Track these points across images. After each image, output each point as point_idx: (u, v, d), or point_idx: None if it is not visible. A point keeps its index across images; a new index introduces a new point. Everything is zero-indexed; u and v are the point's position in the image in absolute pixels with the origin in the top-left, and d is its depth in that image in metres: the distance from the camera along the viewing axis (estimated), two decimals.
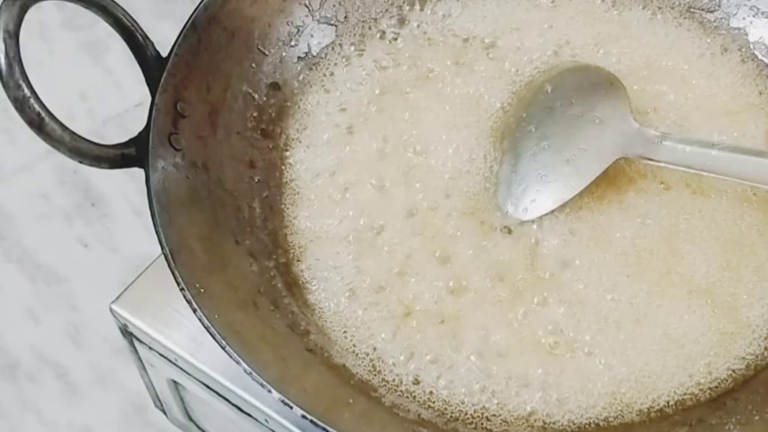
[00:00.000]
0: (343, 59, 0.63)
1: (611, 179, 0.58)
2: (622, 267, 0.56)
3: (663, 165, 0.57)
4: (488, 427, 0.53)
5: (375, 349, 0.54)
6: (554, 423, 0.53)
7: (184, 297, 0.49)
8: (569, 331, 0.54)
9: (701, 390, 0.53)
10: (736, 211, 0.57)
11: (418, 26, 0.64)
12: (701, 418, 0.52)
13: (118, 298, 0.59)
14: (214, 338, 0.48)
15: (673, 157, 0.56)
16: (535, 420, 0.53)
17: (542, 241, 0.56)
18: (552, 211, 0.57)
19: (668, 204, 0.57)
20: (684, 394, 0.53)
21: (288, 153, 0.60)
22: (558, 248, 0.56)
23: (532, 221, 0.57)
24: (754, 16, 0.63)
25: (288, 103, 0.62)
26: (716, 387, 0.53)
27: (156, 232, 0.51)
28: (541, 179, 0.57)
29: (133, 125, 0.54)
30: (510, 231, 0.57)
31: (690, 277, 0.56)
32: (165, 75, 0.54)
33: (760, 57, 0.63)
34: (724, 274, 0.56)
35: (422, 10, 0.65)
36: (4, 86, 0.49)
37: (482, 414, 0.53)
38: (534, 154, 0.58)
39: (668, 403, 0.53)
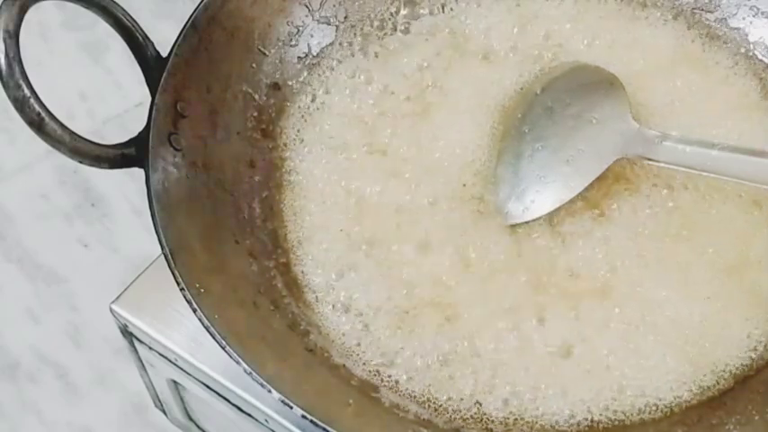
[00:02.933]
0: (344, 60, 0.63)
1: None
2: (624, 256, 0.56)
3: (663, 165, 0.57)
4: (490, 427, 0.53)
5: (376, 349, 0.54)
6: (555, 423, 0.53)
7: (184, 297, 0.49)
8: (571, 332, 0.54)
9: (701, 389, 0.53)
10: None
11: (418, 26, 0.64)
12: (700, 417, 0.52)
13: (118, 298, 0.59)
14: (214, 338, 0.48)
15: (673, 157, 0.56)
16: (535, 421, 0.53)
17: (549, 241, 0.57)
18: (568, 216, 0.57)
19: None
20: (685, 393, 0.53)
21: (288, 153, 0.60)
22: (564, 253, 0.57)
23: (538, 221, 0.57)
24: (754, 16, 0.63)
25: (288, 103, 0.61)
26: (716, 387, 0.53)
27: (156, 232, 0.51)
28: (540, 180, 0.57)
29: (133, 125, 0.54)
30: (512, 232, 0.57)
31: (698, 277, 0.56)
32: (165, 75, 0.54)
33: (760, 57, 0.63)
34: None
35: (420, 10, 0.65)
36: (4, 86, 0.49)
37: (483, 415, 0.53)
38: (531, 155, 0.58)
39: (669, 402, 0.53)
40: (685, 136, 0.57)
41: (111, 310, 0.59)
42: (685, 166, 0.56)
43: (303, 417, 0.47)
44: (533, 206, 0.57)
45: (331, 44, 0.63)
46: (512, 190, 0.58)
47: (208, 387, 0.58)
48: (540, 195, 0.57)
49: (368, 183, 0.59)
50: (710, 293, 0.55)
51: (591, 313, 0.55)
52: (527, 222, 0.57)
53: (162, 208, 0.51)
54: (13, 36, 0.49)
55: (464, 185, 0.58)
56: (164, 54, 0.55)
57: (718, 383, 0.53)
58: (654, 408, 0.53)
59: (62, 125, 0.51)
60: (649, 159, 0.57)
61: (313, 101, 0.62)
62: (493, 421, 0.53)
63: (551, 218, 0.57)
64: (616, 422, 0.53)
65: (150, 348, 0.59)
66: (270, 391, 0.47)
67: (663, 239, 0.56)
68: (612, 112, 0.58)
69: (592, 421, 0.53)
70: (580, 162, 0.57)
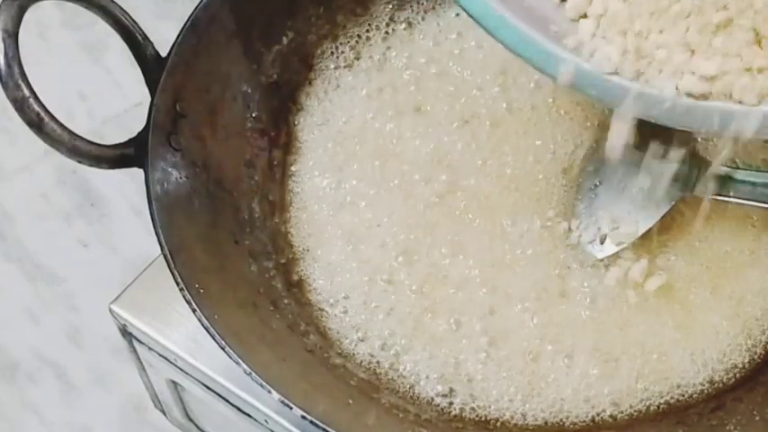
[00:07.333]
0: (344, 60, 0.63)
1: None
2: None
3: (732, 200, 0.55)
4: (488, 427, 0.53)
5: (375, 350, 0.54)
6: (556, 421, 0.53)
7: (184, 297, 0.49)
8: (566, 337, 0.54)
9: (701, 389, 0.53)
10: None
11: (419, 30, 0.64)
12: (700, 417, 0.52)
13: (117, 298, 0.59)
14: (214, 339, 0.48)
15: (743, 192, 0.55)
16: (533, 421, 0.53)
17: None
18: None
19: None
20: (685, 394, 0.53)
21: (287, 153, 0.60)
22: None
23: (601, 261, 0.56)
24: None
25: (288, 104, 0.61)
26: (716, 387, 0.53)
27: (156, 232, 0.51)
28: (605, 219, 0.56)
29: (133, 125, 0.54)
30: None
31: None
32: (164, 75, 0.54)
33: None
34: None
35: (422, 15, 0.64)
36: (4, 86, 0.49)
37: (483, 415, 0.53)
38: (597, 193, 0.57)
39: (669, 402, 0.53)
40: (755, 172, 0.56)
41: (110, 310, 0.59)
42: (756, 201, 0.55)
43: (303, 417, 0.47)
44: (599, 246, 0.56)
45: (332, 44, 0.63)
46: (578, 228, 0.57)
47: (207, 387, 0.58)
48: (607, 234, 0.56)
49: (369, 183, 0.59)
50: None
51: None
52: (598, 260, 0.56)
53: (162, 208, 0.51)
54: (13, 36, 0.49)
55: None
56: (163, 54, 0.55)
57: (715, 383, 0.54)
58: (655, 407, 0.53)
59: (61, 125, 0.51)
60: (718, 195, 0.55)
61: (313, 101, 0.62)
62: (491, 422, 0.53)
63: None
64: (618, 421, 0.53)
65: (150, 349, 0.59)
66: (270, 392, 0.47)
67: None
68: (679, 149, 0.56)
69: (593, 420, 0.53)
70: (646, 200, 0.56)
